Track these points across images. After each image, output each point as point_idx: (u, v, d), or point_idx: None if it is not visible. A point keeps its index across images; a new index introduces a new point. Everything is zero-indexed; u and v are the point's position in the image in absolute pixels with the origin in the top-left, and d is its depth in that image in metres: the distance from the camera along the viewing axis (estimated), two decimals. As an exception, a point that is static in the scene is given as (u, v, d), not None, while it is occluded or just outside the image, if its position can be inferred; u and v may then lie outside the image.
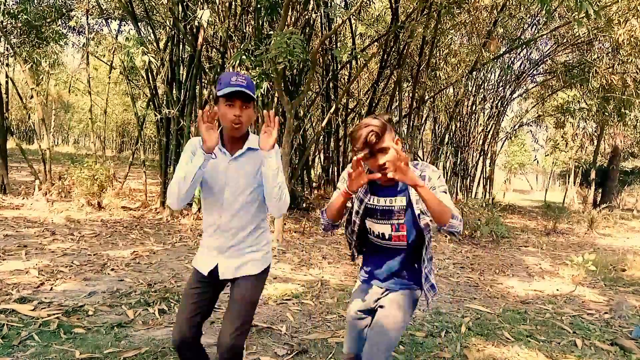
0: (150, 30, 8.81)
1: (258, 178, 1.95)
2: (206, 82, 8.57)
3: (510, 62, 13.18)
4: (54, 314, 3.13)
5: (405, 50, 8.57)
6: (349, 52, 7.39)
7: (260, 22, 7.49)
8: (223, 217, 1.94)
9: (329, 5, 8.37)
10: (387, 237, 1.96)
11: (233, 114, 1.84)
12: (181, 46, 8.44)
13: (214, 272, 1.97)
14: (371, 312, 2.04)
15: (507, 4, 9.32)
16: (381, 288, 2.02)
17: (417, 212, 1.89)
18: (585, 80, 10.73)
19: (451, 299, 4.49)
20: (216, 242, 1.97)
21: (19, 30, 8.87)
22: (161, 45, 8.92)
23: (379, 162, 1.79)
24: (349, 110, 10.15)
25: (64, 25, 10.50)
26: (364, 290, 2.06)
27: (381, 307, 1.98)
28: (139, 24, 8.62)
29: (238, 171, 1.93)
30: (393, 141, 1.81)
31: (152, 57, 6.54)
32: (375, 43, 9.25)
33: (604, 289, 5.31)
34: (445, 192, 1.87)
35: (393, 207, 1.92)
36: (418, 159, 12.25)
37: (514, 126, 16.44)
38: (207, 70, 8.45)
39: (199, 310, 1.97)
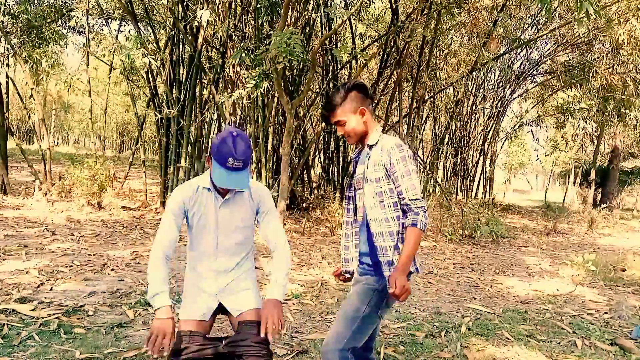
0: (150, 30, 8.81)
1: (247, 219, 1.98)
2: (206, 82, 8.57)
3: (510, 62, 13.18)
4: (54, 314, 3.13)
5: (405, 50, 8.57)
6: (349, 52, 7.39)
7: (260, 22, 7.49)
8: (219, 259, 1.96)
9: (329, 5, 8.37)
10: (359, 207, 1.95)
11: (227, 188, 1.85)
12: (181, 46, 8.43)
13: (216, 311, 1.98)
14: None
15: (507, 4, 9.31)
16: (356, 272, 1.98)
17: (368, 179, 1.87)
18: (585, 80, 10.73)
19: (451, 299, 4.50)
20: (214, 284, 1.96)
21: (19, 31, 8.88)
22: (161, 45, 8.92)
23: (339, 133, 1.95)
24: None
25: (64, 25, 10.50)
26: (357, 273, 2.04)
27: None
28: (139, 24, 8.62)
29: (229, 214, 1.94)
30: (352, 114, 1.88)
31: (152, 57, 6.54)
32: (375, 43, 9.25)
33: (604, 289, 5.31)
34: (409, 174, 1.79)
35: (360, 175, 1.94)
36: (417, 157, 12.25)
37: (514, 126, 16.44)
38: (207, 70, 8.44)
39: None
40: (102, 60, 10.77)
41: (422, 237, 1.76)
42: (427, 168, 12.43)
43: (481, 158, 15.12)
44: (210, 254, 1.95)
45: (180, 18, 7.50)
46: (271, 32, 6.67)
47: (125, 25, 11.24)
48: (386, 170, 1.82)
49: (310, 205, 9.13)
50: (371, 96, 1.97)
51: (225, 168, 1.74)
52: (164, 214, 1.93)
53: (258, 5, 6.89)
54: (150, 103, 9.01)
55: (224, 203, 1.92)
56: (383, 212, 1.84)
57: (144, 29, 9.97)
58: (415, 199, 1.78)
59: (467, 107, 13.90)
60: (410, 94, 9.86)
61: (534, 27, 11.87)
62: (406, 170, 1.79)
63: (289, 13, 7.16)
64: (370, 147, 1.91)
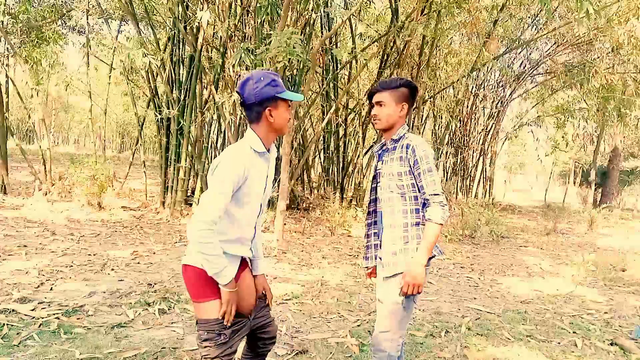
0: (150, 30, 8.81)
1: None
2: (206, 82, 8.56)
3: (510, 62, 13.18)
4: (54, 314, 3.13)
5: (405, 50, 8.56)
6: (349, 52, 7.38)
7: (260, 22, 7.48)
8: (260, 217, 1.93)
9: (329, 5, 8.36)
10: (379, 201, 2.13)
11: (289, 116, 1.88)
12: (181, 46, 8.43)
13: None
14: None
15: (507, 4, 9.31)
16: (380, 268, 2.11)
17: (386, 174, 2.04)
18: (585, 80, 10.72)
19: (451, 299, 4.49)
20: (248, 245, 1.90)
21: (19, 31, 8.87)
22: (161, 45, 8.92)
23: (372, 113, 2.08)
24: (349, 110, 10.13)
25: (64, 25, 10.50)
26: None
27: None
28: (139, 24, 8.61)
29: (271, 168, 1.95)
30: (395, 103, 2.02)
31: (152, 57, 6.54)
32: (375, 43, 9.24)
33: (604, 289, 5.31)
34: (430, 171, 1.95)
35: (380, 169, 2.12)
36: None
37: (514, 126, 16.44)
38: (207, 70, 8.44)
39: None
40: (102, 61, 10.76)
41: (440, 229, 1.93)
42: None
43: (481, 158, 15.11)
44: (251, 224, 1.84)
45: (180, 18, 7.50)
46: (271, 32, 6.67)
47: (125, 25, 11.21)
48: (410, 166, 1.97)
49: (310, 205, 9.12)
50: (415, 103, 2.12)
51: (287, 90, 1.79)
52: (218, 184, 1.64)
53: (258, 5, 6.89)
54: (150, 103, 9.00)
55: (270, 164, 1.92)
56: (403, 204, 2.00)
57: (144, 29, 9.98)
58: (435, 194, 1.95)
59: (467, 107, 13.90)
60: (410, 94, 9.85)
61: (534, 27, 11.88)
62: (428, 167, 1.96)
63: (289, 13, 7.15)
64: (394, 141, 2.05)
